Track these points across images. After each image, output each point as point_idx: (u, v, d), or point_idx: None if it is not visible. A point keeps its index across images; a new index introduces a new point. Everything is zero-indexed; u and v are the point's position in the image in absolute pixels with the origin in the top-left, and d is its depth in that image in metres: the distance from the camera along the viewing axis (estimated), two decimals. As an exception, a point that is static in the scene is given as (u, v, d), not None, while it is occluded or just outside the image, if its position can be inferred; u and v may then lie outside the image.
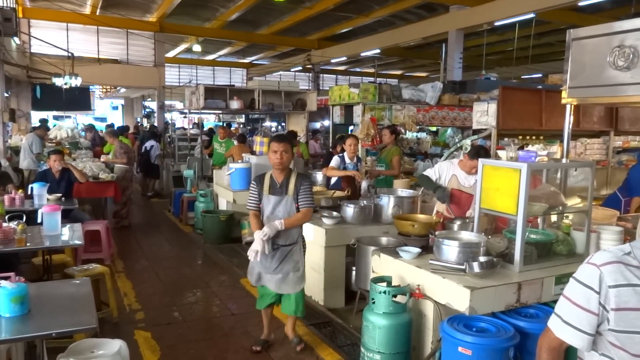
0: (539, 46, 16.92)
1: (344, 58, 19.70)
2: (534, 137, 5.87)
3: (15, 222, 3.97)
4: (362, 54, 18.00)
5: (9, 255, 3.94)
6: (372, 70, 23.77)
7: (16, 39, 10.90)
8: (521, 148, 5.25)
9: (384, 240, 4.24)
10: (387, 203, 4.81)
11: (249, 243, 6.78)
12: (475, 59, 15.85)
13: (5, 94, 9.07)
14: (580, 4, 10.83)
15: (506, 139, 6.00)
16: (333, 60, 19.66)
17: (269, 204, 3.67)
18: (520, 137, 5.84)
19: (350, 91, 7.67)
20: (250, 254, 3.56)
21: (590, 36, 3.34)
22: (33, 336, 2.63)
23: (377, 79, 17.03)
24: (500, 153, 4.19)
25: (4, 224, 3.97)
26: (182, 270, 6.18)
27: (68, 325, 2.65)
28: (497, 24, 12.38)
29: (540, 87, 7.89)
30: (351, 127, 7.75)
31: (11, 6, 10.72)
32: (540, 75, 17.33)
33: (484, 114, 5.62)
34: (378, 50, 17.00)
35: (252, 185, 3.77)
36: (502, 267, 3.08)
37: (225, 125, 13.09)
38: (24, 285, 2.67)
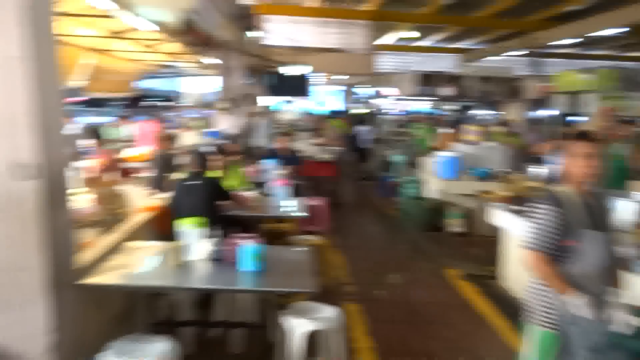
0: None
1: (573, 40, 17.47)
2: None
3: (256, 192, 4.65)
4: (597, 34, 15.65)
5: (250, 219, 4.62)
6: (605, 52, 20.61)
7: (252, 32, 12.51)
8: None
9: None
10: (624, 208, 4.17)
11: (455, 234, 6.75)
12: None
13: (246, 82, 10.51)
14: None
15: None
16: (558, 43, 17.62)
17: (593, 248, 2.26)
18: None
19: (579, 77, 6.84)
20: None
21: None
22: (269, 290, 3.07)
23: (616, 62, 14.62)
24: None
25: (246, 193, 4.69)
26: (387, 252, 6.41)
27: (293, 286, 3.02)
28: None
29: None
30: (584, 119, 6.89)
31: (248, 4, 12.36)
32: None
33: None
34: (620, 30, 14.55)
35: (546, 210, 2.33)
36: None
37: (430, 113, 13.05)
38: (264, 246, 3.12)
